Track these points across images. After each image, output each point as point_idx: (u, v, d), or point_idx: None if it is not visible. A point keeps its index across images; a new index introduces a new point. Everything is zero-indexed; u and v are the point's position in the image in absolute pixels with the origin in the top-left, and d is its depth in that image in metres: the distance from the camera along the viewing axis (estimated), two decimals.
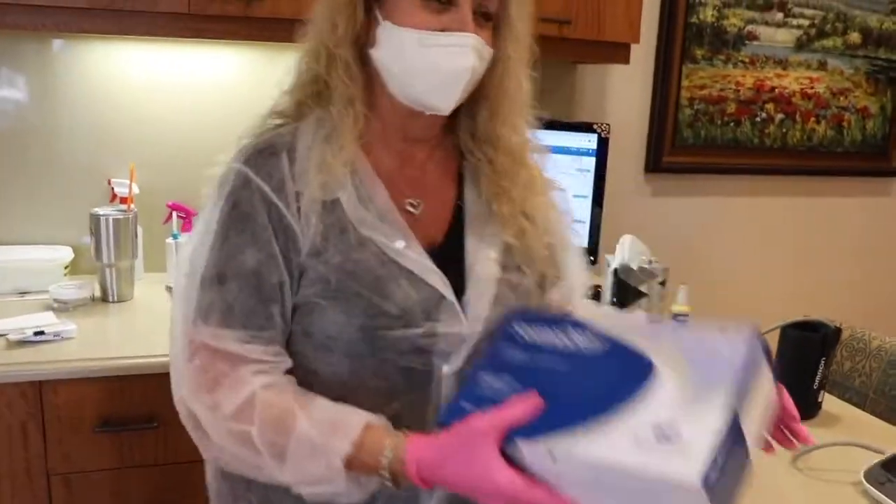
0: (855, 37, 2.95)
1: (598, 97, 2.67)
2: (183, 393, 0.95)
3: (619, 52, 2.32)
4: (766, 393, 0.84)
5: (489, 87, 1.05)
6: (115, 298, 1.93)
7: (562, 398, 0.84)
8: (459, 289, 1.01)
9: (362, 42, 1.01)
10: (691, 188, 2.88)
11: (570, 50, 2.21)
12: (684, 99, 2.75)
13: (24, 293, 1.93)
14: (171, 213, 2.11)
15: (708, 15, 2.72)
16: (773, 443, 0.96)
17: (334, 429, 0.90)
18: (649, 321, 0.87)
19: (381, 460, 0.88)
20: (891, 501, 1.15)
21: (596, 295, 2.19)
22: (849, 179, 3.13)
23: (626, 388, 0.81)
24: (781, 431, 0.98)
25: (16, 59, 2.05)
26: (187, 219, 2.11)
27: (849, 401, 1.70)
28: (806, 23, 2.86)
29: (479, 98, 1.06)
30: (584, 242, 2.29)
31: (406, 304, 0.96)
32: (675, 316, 1.96)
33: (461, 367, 0.99)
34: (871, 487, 1.19)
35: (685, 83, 2.74)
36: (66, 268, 2.02)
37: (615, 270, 2.04)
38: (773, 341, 1.53)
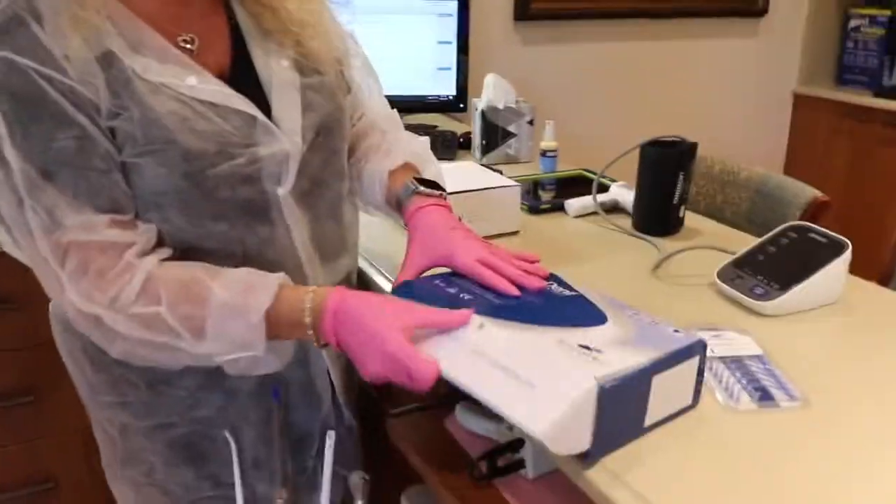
0: None
1: None
2: (73, 300, 0.88)
3: None
4: (678, 395, 0.91)
5: None
6: None
7: (519, 307, 0.94)
8: (266, 107, 0.96)
9: None
10: (561, 35, 2.85)
11: None
12: None
13: None
14: None
15: None
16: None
17: (250, 288, 0.90)
18: (615, 302, 0.98)
19: (302, 310, 0.89)
20: (739, 293, 1.19)
21: (466, 142, 2.16)
22: (716, 21, 3.16)
23: (575, 320, 0.91)
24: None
25: None
26: None
27: None
28: None
29: None
30: (453, 90, 2.25)
31: (221, 137, 0.91)
32: (544, 152, 1.95)
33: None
34: (724, 284, 1.23)
35: None
36: None
37: (482, 112, 2.00)
38: (634, 161, 1.54)
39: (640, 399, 0.85)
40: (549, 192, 1.80)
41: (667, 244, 1.46)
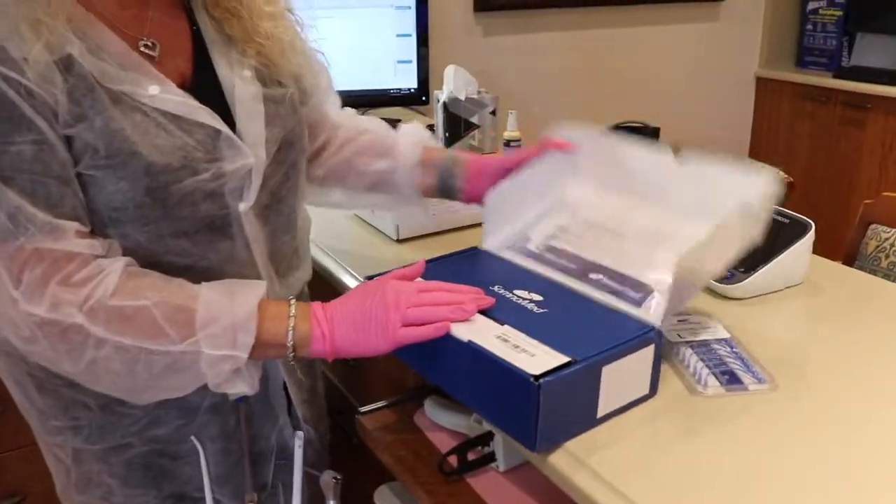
0: None
1: None
2: (30, 312, 0.80)
3: None
4: (633, 384, 0.91)
5: None
6: None
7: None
8: (227, 119, 0.93)
9: None
10: (522, 25, 2.84)
11: None
12: None
13: None
14: None
15: None
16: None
17: (236, 291, 0.88)
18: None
19: (288, 308, 0.89)
20: None
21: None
22: (677, 6, 3.17)
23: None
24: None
25: None
26: None
27: None
28: None
29: None
30: (414, 84, 2.23)
31: (185, 151, 0.87)
32: (508, 143, 1.94)
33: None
34: None
35: None
36: None
37: (444, 104, 1.99)
38: None
39: (588, 391, 0.85)
40: None
41: None
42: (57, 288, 0.80)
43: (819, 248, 1.24)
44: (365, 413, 1.22)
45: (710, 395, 0.93)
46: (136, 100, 0.85)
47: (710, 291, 1.19)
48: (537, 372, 0.79)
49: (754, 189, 0.95)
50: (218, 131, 0.90)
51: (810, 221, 1.22)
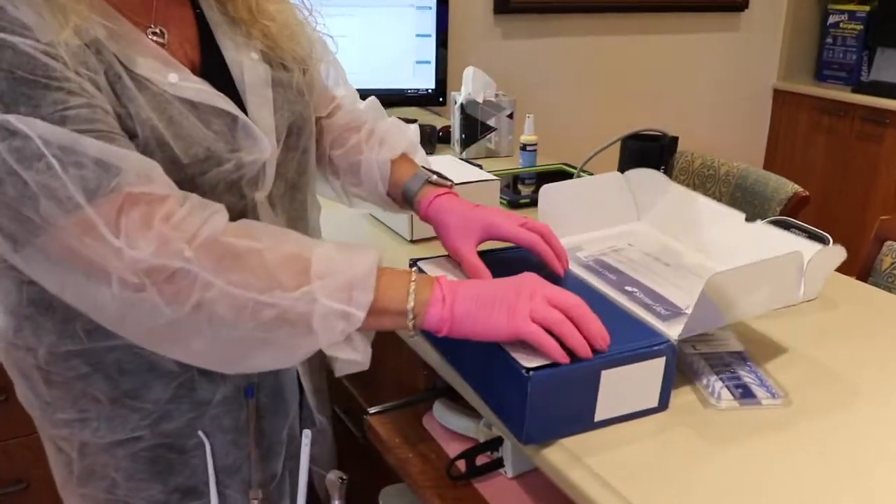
0: None
1: None
2: (137, 258, 0.74)
3: None
4: (639, 394, 0.89)
5: None
6: None
7: None
8: (238, 103, 0.91)
9: None
10: (542, 29, 2.83)
11: None
12: None
13: None
14: None
15: None
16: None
17: (353, 248, 0.83)
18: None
19: (409, 275, 0.84)
20: None
21: (445, 136, 2.14)
22: (696, 15, 3.16)
23: None
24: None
25: None
26: None
27: None
28: None
29: None
30: (432, 84, 2.23)
31: (208, 141, 0.85)
32: (524, 146, 1.93)
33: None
34: None
35: None
36: None
37: (461, 106, 1.98)
38: (614, 155, 1.53)
39: (584, 392, 0.84)
40: (529, 187, 1.79)
41: None
42: (162, 226, 0.75)
43: None
44: (373, 414, 1.21)
45: (723, 408, 0.92)
46: (159, 87, 0.83)
47: None
48: (531, 365, 0.80)
49: (811, 253, 0.96)
50: (235, 119, 0.89)
51: (827, 235, 1.20)
